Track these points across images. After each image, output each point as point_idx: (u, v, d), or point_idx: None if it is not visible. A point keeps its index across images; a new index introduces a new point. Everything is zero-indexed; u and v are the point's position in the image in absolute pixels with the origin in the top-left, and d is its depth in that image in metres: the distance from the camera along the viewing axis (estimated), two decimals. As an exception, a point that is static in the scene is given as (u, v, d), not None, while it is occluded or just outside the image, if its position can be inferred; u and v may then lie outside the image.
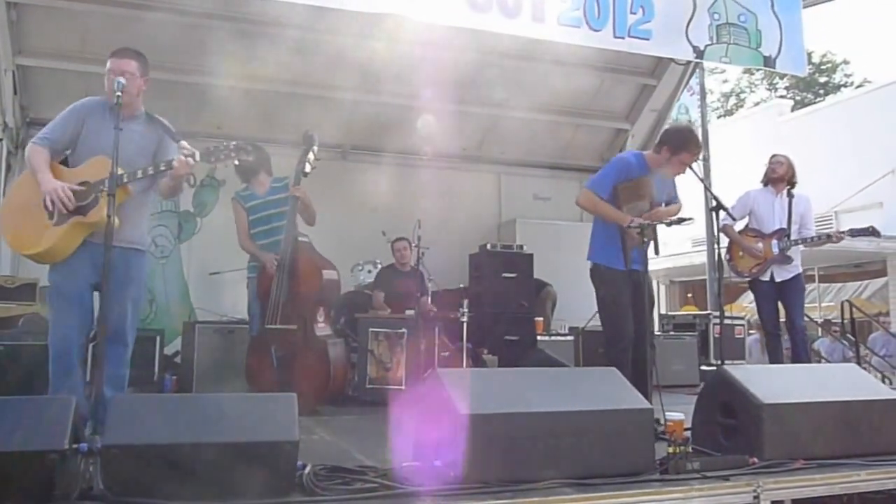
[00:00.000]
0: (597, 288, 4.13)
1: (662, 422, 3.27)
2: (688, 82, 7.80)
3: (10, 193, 3.52)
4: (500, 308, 6.95)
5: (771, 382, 2.97)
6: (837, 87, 24.48)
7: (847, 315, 8.36)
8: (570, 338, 7.04)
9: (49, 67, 6.33)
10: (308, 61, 6.51)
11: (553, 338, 7.02)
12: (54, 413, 2.15)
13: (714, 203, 3.83)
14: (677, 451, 2.65)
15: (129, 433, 2.17)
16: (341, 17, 5.68)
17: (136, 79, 3.45)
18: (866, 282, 13.76)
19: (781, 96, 23.23)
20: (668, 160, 4.02)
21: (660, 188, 4.14)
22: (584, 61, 7.15)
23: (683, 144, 3.98)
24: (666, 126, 4.19)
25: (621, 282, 3.95)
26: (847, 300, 9.23)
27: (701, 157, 4.10)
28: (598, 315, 4.21)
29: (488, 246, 7.24)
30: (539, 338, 6.93)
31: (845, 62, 25.44)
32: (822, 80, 25.13)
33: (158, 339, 5.89)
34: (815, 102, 21.33)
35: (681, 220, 3.97)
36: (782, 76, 23.76)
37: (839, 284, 14.27)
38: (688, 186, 4.33)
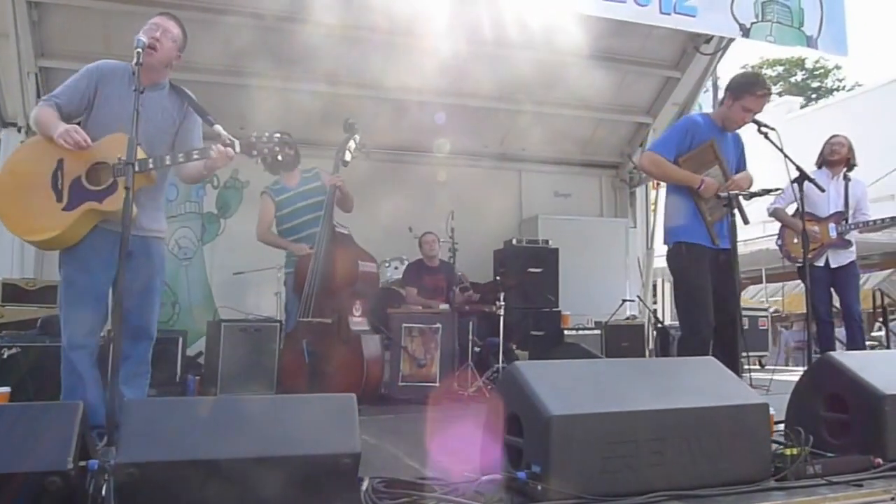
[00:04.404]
0: (677, 271, 3.43)
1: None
2: (712, 74, 7.15)
3: (8, 166, 2.83)
4: (526, 303, 6.54)
5: (889, 370, 2.40)
6: (830, 92, 23.94)
7: (879, 302, 7.86)
8: (596, 332, 6.61)
9: (73, 70, 5.69)
10: (336, 62, 6.03)
11: (580, 332, 6.56)
12: (57, 424, 1.58)
13: (798, 174, 3.22)
14: (797, 452, 2.10)
15: (147, 448, 1.60)
16: (353, 14, 5.22)
17: (174, 46, 2.92)
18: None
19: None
20: (730, 108, 3.38)
21: (727, 152, 3.49)
22: (608, 54, 6.62)
23: (745, 86, 3.32)
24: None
25: (705, 261, 3.29)
26: (878, 288, 8.69)
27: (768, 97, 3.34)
28: (674, 304, 3.61)
29: (514, 241, 6.89)
30: (566, 332, 6.49)
31: (837, 67, 25.05)
32: (815, 84, 24.62)
33: (181, 340, 5.44)
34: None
35: (767, 192, 3.35)
36: (776, 81, 23.21)
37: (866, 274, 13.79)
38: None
